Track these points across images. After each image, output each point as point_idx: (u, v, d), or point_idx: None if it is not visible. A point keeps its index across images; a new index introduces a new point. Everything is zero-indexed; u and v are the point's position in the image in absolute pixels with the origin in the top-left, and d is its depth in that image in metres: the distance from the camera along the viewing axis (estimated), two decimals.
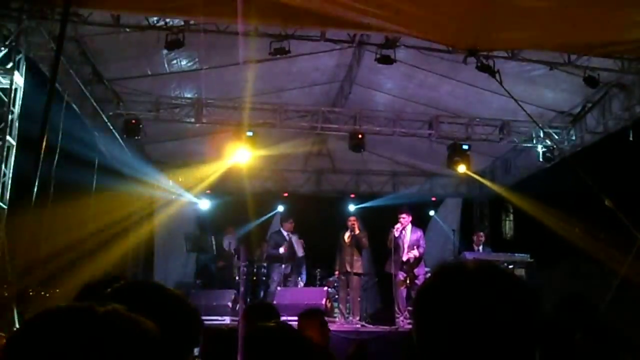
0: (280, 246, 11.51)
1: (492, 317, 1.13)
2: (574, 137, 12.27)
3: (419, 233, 11.04)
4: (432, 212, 16.08)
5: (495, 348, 1.12)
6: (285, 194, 15.59)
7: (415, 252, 10.69)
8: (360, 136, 11.80)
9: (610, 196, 7.55)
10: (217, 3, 7.44)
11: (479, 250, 12.09)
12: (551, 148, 12.20)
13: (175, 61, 10.20)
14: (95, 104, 10.64)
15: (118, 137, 11.56)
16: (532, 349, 1.15)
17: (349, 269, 10.84)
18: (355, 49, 10.54)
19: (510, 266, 11.11)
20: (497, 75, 7.28)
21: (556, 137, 12.30)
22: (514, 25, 5.52)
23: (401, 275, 10.67)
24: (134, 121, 11.04)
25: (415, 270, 10.72)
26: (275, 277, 11.50)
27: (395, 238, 10.75)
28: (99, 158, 11.52)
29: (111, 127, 11.47)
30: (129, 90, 11.02)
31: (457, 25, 5.42)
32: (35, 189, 4.98)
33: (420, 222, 12.63)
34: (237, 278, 11.86)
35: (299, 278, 11.95)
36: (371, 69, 10.64)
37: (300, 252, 11.76)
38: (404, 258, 10.71)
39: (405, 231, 10.88)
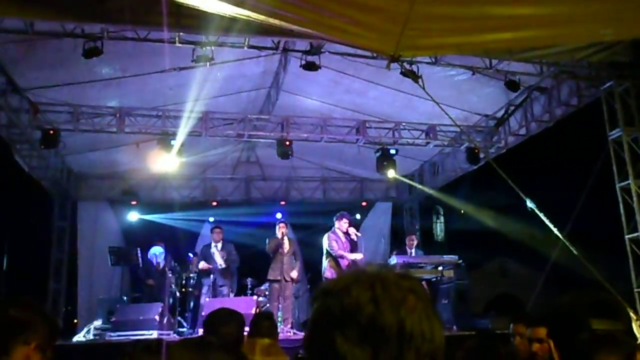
0: (210, 261, 11.16)
1: None
2: (498, 140, 12.57)
3: None
4: (358, 216, 15.86)
5: None
6: (215, 203, 15.33)
7: (360, 256, 10.56)
8: (288, 143, 11.69)
9: (532, 197, 7.71)
10: (137, 11, 7.22)
11: (411, 253, 12.11)
12: (476, 151, 12.41)
13: (95, 69, 9.80)
14: (10, 114, 10.17)
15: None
16: None
17: (279, 277, 10.68)
18: (280, 55, 10.45)
19: (440, 267, 11.21)
20: (420, 80, 7.32)
21: (481, 140, 12.54)
22: (435, 31, 5.55)
23: None
24: (52, 132, 10.58)
25: None
26: (204, 288, 11.20)
27: (345, 243, 10.59)
28: (16, 170, 11.03)
29: (28, 139, 11.02)
30: (47, 100, 10.57)
31: (379, 32, 5.40)
32: None
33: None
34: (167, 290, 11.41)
35: (230, 288, 11.66)
36: (297, 75, 10.55)
37: (231, 262, 11.44)
38: (346, 263, 10.57)
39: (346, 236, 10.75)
